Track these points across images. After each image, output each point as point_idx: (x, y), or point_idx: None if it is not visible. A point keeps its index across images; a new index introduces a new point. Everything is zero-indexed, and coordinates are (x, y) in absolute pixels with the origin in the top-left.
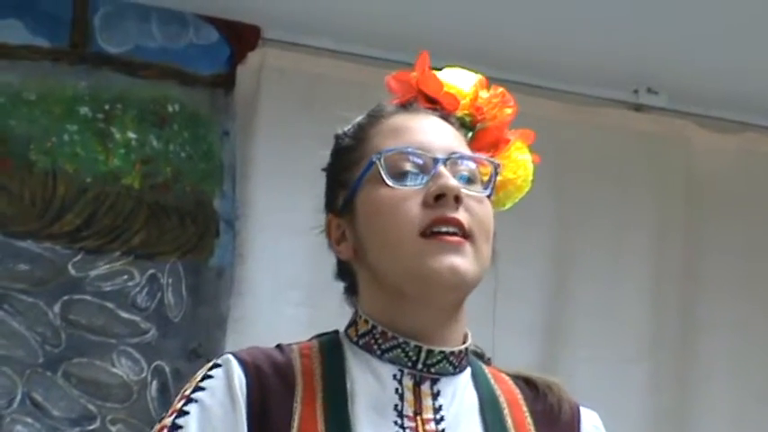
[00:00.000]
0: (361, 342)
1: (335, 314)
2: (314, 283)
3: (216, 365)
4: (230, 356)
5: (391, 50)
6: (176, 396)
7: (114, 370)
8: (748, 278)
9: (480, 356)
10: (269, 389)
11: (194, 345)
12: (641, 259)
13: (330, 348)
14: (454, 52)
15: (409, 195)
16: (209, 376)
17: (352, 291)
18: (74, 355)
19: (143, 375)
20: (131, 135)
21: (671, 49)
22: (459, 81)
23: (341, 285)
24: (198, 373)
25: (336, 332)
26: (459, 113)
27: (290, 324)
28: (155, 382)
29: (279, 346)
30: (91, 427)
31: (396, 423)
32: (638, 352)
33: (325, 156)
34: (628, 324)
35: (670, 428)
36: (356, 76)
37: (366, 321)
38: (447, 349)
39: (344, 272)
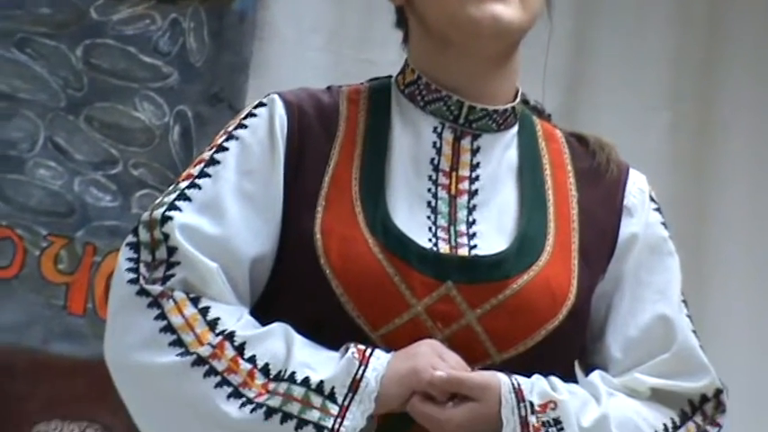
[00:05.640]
0: (406, 91)
1: (356, 59)
2: (336, 27)
3: (261, 104)
4: (276, 96)
5: None
6: (197, 140)
7: (136, 114)
8: None
9: (540, 112)
10: (310, 132)
11: (216, 89)
12: (665, 7)
13: (378, 96)
14: None
15: None
16: (253, 114)
17: (406, 39)
18: (96, 99)
19: (165, 120)
20: None
21: None
22: None
23: (362, 31)
24: (243, 110)
25: (390, 77)
26: None
27: (311, 69)
28: (177, 127)
29: (329, 88)
30: (113, 171)
31: (430, 178)
32: (659, 100)
33: None
34: (649, 72)
35: (689, 173)
36: None
37: (413, 71)
38: (490, 107)
39: (401, 20)
